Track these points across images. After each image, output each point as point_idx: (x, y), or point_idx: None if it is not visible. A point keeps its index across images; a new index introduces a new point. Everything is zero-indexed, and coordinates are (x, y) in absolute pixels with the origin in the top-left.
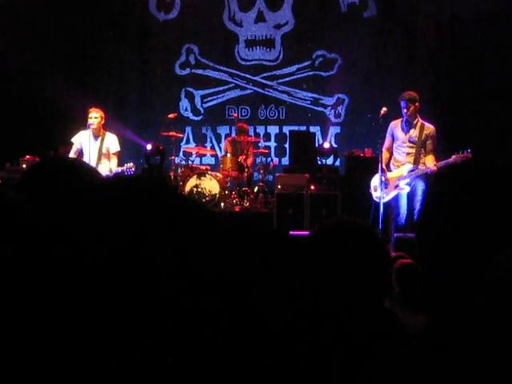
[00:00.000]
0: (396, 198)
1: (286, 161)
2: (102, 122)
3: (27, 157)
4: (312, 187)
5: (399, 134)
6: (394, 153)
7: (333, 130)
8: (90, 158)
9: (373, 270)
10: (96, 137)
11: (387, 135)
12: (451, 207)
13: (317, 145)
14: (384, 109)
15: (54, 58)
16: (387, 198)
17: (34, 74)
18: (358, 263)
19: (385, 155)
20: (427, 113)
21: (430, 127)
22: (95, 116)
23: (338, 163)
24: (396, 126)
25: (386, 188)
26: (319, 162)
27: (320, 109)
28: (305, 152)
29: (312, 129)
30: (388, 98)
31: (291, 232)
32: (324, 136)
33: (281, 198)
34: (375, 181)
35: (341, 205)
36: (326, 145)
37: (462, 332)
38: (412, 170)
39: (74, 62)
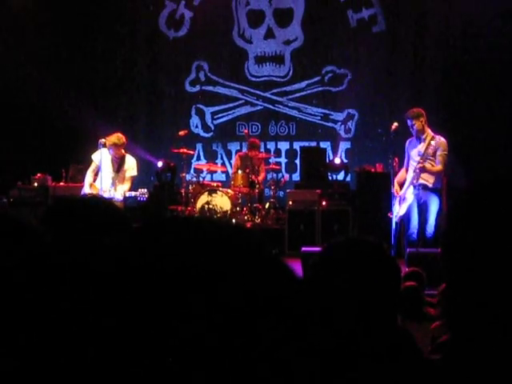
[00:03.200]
0: (407, 213)
1: (296, 177)
2: (122, 147)
3: (38, 175)
4: (323, 203)
5: (410, 150)
6: (409, 169)
7: (343, 146)
8: (104, 178)
9: (383, 288)
10: (115, 161)
11: (405, 154)
12: (479, 223)
13: (327, 160)
14: (395, 124)
15: (66, 77)
16: (401, 212)
17: (46, 93)
18: (369, 281)
19: (402, 174)
20: (437, 125)
21: (438, 140)
22: (112, 146)
23: (348, 179)
24: (409, 143)
25: (399, 204)
26: (330, 178)
27: (330, 124)
28: (315, 168)
29: (322, 144)
30: (398, 112)
31: (303, 248)
32: (334, 151)
33: (292, 214)
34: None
35: (352, 220)
36: (337, 160)
37: (487, 353)
38: (413, 179)
39: (85, 81)
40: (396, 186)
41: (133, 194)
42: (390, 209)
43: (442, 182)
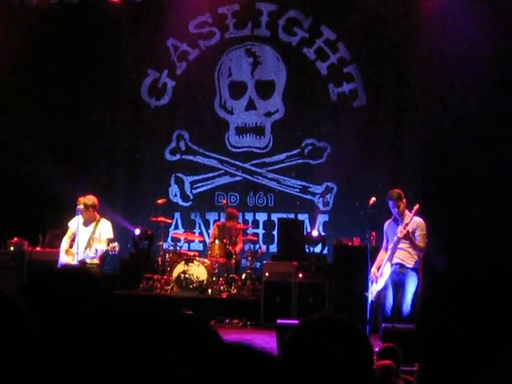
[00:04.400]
0: (384, 289)
1: (274, 248)
2: (94, 210)
3: (15, 239)
4: (300, 275)
5: (389, 232)
6: (389, 252)
7: (321, 218)
8: (79, 242)
9: (356, 366)
10: (87, 223)
11: (384, 236)
12: (455, 306)
13: (305, 233)
14: (373, 198)
15: (44, 143)
16: (377, 287)
17: (24, 159)
18: (341, 360)
19: (381, 255)
20: (415, 202)
21: (416, 221)
22: (82, 208)
23: (326, 251)
24: (387, 226)
25: (376, 282)
26: (307, 250)
27: (308, 197)
28: (293, 240)
29: (300, 216)
30: (377, 187)
31: (278, 320)
32: (312, 224)
33: (268, 286)
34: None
35: (328, 293)
36: (315, 233)
37: None
38: (390, 257)
39: (63, 147)
40: (374, 269)
41: (104, 249)
42: (366, 284)
43: (420, 262)
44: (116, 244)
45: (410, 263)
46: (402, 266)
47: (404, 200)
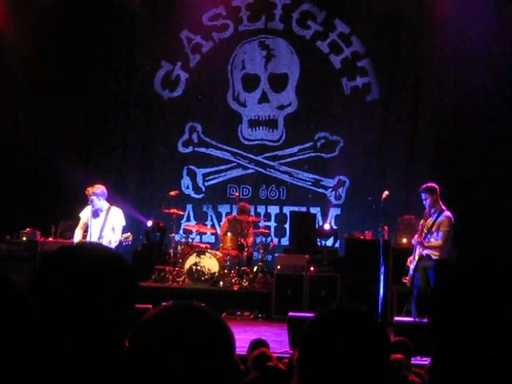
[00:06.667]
0: (414, 282)
1: (285, 241)
2: (104, 199)
3: (27, 229)
4: (311, 268)
5: (423, 224)
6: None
7: (333, 212)
8: (91, 233)
9: (374, 357)
10: (99, 211)
11: (419, 227)
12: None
13: (317, 226)
14: (386, 192)
15: (58, 134)
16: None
17: (38, 150)
18: (359, 350)
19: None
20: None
21: (443, 217)
22: (91, 197)
23: (337, 245)
24: (423, 217)
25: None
26: (319, 244)
27: (321, 190)
28: (305, 233)
29: (312, 210)
30: (389, 181)
31: (290, 313)
32: (324, 217)
33: (280, 279)
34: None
35: (340, 287)
36: (327, 226)
37: None
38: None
39: (77, 138)
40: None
41: (117, 240)
42: (378, 278)
43: (447, 253)
44: (129, 234)
45: (436, 255)
46: (429, 257)
47: (436, 194)
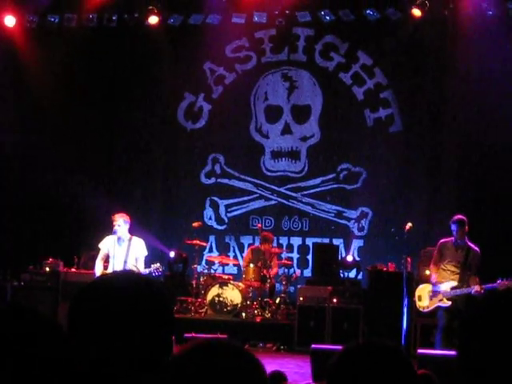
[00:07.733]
0: (438, 312)
1: (308, 272)
2: (127, 227)
3: (50, 260)
4: (334, 300)
5: (448, 253)
6: (440, 269)
7: (356, 243)
8: (114, 263)
9: None
10: (121, 241)
11: (436, 252)
12: (499, 329)
13: (340, 258)
14: (409, 224)
15: (81, 165)
16: (429, 308)
17: (61, 180)
18: None
19: (434, 270)
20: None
21: (476, 250)
22: (118, 224)
23: (360, 277)
24: (446, 245)
25: (430, 300)
26: (342, 275)
27: (343, 222)
28: (328, 264)
29: (335, 241)
30: (412, 212)
31: (313, 345)
32: (347, 249)
33: (302, 310)
34: (420, 291)
35: (363, 319)
36: (349, 258)
37: None
38: (455, 288)
39: (100, 169)
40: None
41: (147, 270)
42: (401, 310)
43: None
44: (159, 265)
45: (464, 289)
46: (457, 289)
47: (466, 227)
